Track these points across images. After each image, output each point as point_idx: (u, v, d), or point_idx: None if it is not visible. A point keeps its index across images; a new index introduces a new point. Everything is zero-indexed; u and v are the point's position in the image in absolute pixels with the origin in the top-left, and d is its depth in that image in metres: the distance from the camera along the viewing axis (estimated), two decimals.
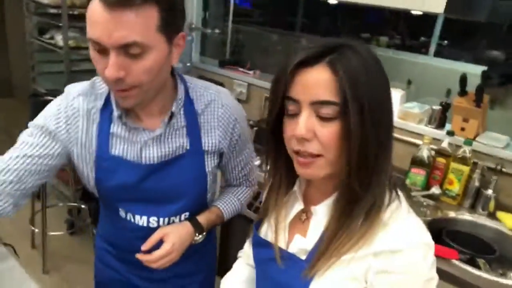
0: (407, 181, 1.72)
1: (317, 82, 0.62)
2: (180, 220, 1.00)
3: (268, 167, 0.78)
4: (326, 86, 0.61)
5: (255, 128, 2.10)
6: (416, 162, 1.70)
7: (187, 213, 1.01)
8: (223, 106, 0.98)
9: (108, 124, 0.91)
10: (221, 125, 0.98)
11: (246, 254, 0.96)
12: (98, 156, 0.93)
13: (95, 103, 0.92)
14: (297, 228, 0.76)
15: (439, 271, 0.67)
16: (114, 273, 1.12)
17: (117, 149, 0.92)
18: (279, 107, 0.67)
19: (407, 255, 0.63)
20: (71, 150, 0.93)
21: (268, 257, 0.77)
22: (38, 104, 2.39)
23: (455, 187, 1.64)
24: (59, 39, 2.66)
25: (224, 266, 2.04)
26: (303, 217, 0.77)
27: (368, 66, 0.62)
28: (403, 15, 3.87)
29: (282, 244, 0.77)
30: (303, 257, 0.72)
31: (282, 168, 0.76)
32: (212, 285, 1.26)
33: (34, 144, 0.90)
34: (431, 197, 1.65)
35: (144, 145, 0.92)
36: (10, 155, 0.90)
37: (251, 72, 2.55)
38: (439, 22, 2.49)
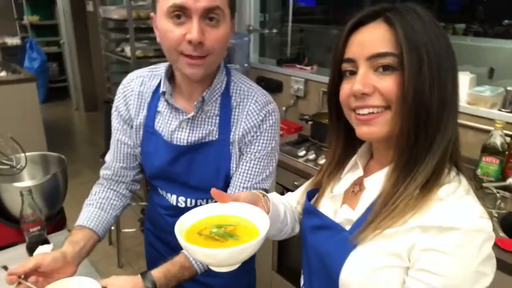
0: (478, 171, 1.55)
1: (372, 37, 0.62)
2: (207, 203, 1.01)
3: (329, 138, 0.79)
4: (382, 39, 0.61)
5: (310, 122, 2.06)
6: (488, 150, 1.52)
7: (214, 199, 1.02)
8: (256, 102, 0.97)
9: (157, 103, 1.00)
10: (249, 118, 0.97)
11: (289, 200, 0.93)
12: (144, 129, 1.01)
13: (150, 83, 1.01)
14: (348, 199, 0.75)
15: None
16: (156, 252, 1.18)
17: (159, 125, 1.00)
18: (338, 72, 0.68)
19: (460, 235, 0.56)
20: (132, 125, 1.03)
21: (314, 225, 0.76)
22: (110, 110, 2.60)
23: None
24: (128, 50, 2.88)
25: (284, 262, 2.03)
26: (356, 189, 0.75)
27: (425, 21, 0.62)
28: None
29: (330, 213, 0.75)
30: (348, 227, 0.69)
31: (342, 138, 0.77)
32: (253, 275, 1.25)
33: (115, 129, 1.06)
34: (507, 188, 1.47)
35: (178, 126, 0.98)
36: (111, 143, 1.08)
37: (308, 68, 2.51)
38: None
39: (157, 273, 0.89)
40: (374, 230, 0.62)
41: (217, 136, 0.97)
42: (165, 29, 0.84)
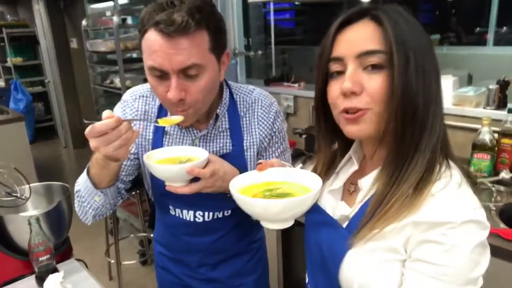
0: (471, 168, 1.60)
1: (361, 35, 0.63)
2: (223, 216, 1.04)
3: (317, 142, 0.80)
4: (371, 37, 0.62)
5: (304, 136, 2.10)
6: (478, 147, 1.58)
7: (229, 210, 1.05)
8: (262, 107, 1.03)
9: None
10: (261, 124, 1.02)
11: None
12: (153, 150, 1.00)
13: (154, 102, 1.01)
14: (346, 197, 0.77)
15: None
16: (173, 277, 1.16)
17: (169, 146, 1.00)
18: (325, 73, 0.68)
19: (453, 226, 0.58)
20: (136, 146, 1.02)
21: (316, 221, 0.77)
22: None
23: None
24: (117, 81, 2.92)
25: (289, 276, 2.01)
26: (351, 189, 0.76)
27: (409, 21, 0.63)
28: (455, 10, 3.73)
29: (329, 209, 0.77)
30: (344, 225, 0.71)
31: (331, 138, 0.78)
32: (266, 285, 1.25)
33: None
34: (501, 182, 1.52)
35: (192, 143, 1.00)
36: None
37: (296, 85, 2.58)
38: (494, 8, 2.34)
39: None
40: (370, 230, 0.63)
41: (230, 148, 1.01)
42: (151, 83, 0.86)
